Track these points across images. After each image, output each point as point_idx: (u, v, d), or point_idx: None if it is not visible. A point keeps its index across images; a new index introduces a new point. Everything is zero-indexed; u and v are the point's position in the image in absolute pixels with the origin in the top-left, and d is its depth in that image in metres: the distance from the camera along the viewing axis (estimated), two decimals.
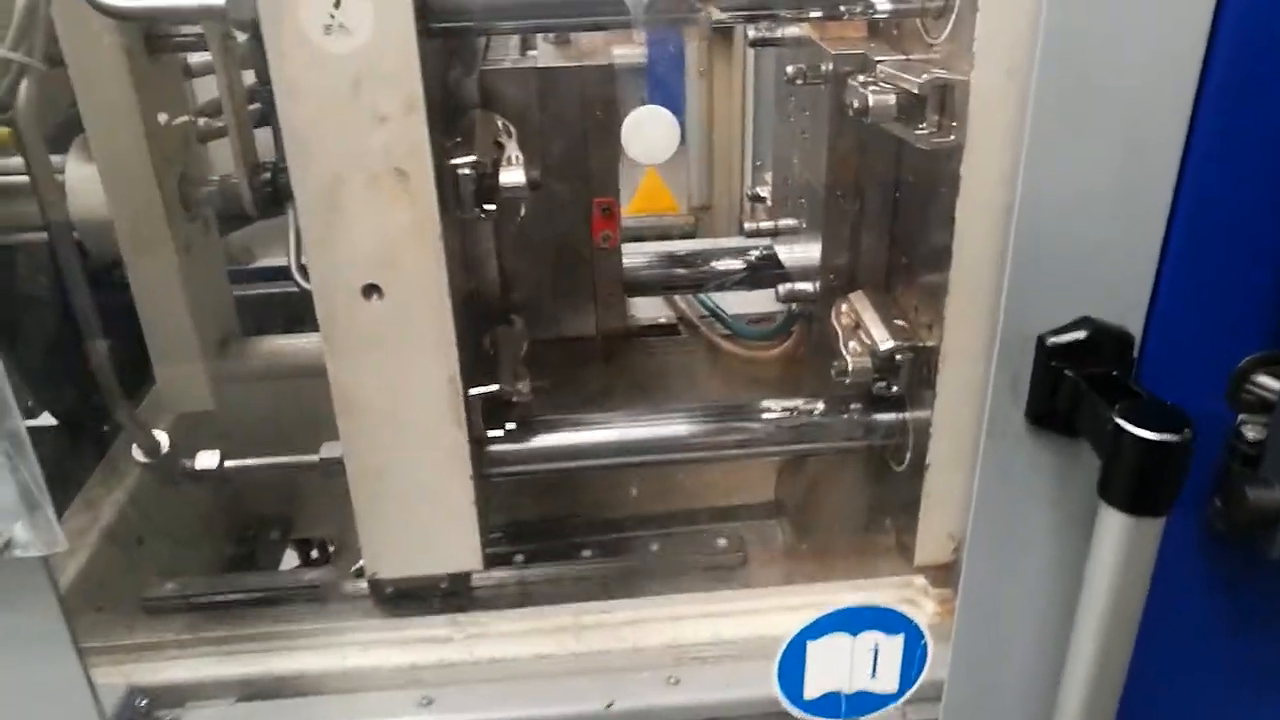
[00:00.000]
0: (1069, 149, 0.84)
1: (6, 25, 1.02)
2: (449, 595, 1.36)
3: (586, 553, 1.62)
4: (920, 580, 1.23)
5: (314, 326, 1.03)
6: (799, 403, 1.30)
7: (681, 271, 1.69)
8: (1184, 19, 0.80)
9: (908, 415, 1.21)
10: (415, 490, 1.12)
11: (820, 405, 1.30)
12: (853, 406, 1.27)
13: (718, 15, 1.07)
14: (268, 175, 1.22)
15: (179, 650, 1.23)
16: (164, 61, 1.25)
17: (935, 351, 1.07)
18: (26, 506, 0.89)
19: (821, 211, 1.30)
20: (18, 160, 1.11)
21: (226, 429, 1.46)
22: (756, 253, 1.65)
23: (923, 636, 1.08)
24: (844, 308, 1.29)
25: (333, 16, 0.89)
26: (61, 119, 1.22)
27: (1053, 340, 0.90)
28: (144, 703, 1.17)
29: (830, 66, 1.20)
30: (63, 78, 1.15)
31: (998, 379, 0.93)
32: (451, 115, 1.23)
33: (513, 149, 1.13)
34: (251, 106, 1.21)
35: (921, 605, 1.21)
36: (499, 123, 1.22)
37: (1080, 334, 0.90)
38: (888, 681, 1.10)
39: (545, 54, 1.45)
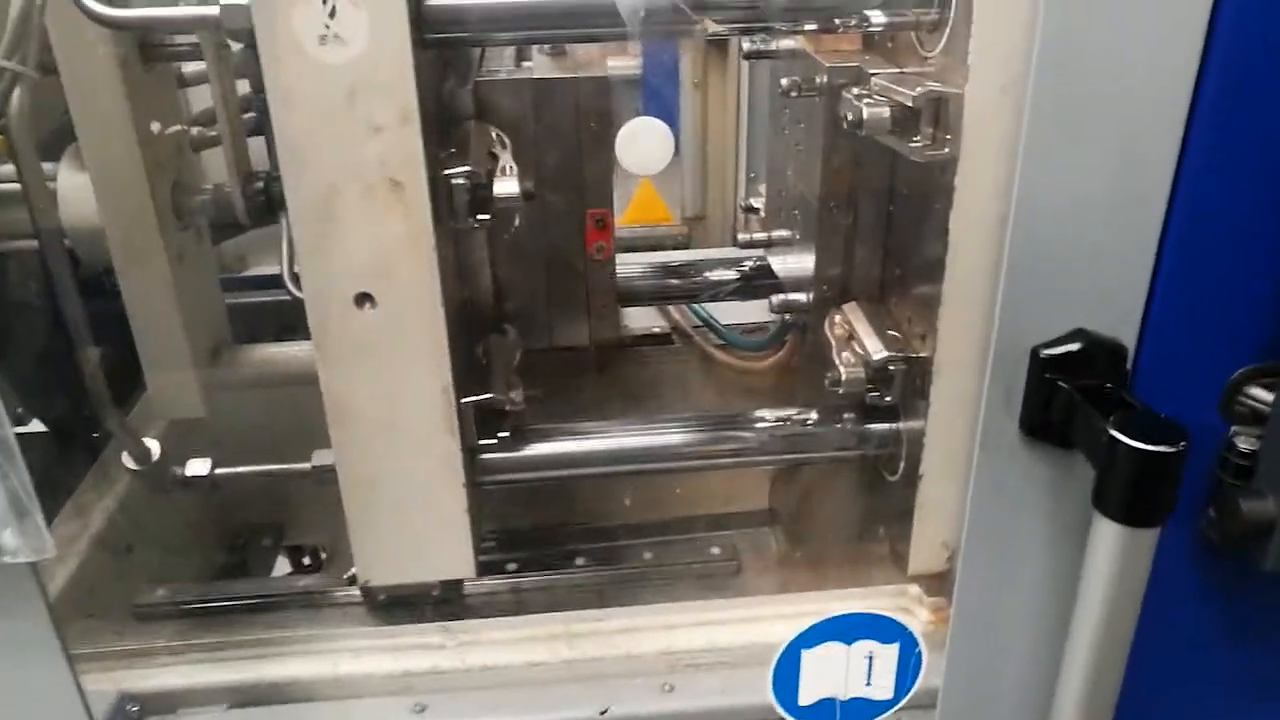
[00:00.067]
0: (1064, 161, 0.85)
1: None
2: (441, 603, 1.36)
3: (580, 561, 1.62)
4: (914, 589, 1.23)
5: (306, 335, 1.02)
6: (792, 412, 1.30)
7: (675, 282, 1.69)
8: (1179, 32, 0.81)
9: (901, 425, 1.21)
10: (408, 498, 1.11)
11: (813, 415, 1.30)
12: (846, 416, 1.27)
13: (713, 28, 1.07)
14: (261, 184, 1.22)
15: (170, 657, 1.22)
16: (158, 70, 1.25)
17: (929, 362, 1.07)
18: (15, 513, 0.88)
19: (815, 223, 1.30)
20: (9, 168, 1.10)
21: (218, 436, 1.46)
22: (750, 263, 1.65)
23: (917, 644, 1.08)
24: (837, 318, 1.29)
25: (328, 27, 0.89)
26: (54, 126, 1.22)
27: (1047, 352, 0.90)
28: (135, 709, 1.17)
29: (824, 79, 1.21)
30: (55, 85, 1.15)
31: (991, 390, 0.93)
32: (446, 126, 1.23)
33: (507, 160, 1.13)
34: (245, 116, 1.21)
35: (915, 614, 1.21)
36: (494, 133, 1.23)
37: (1074, 346, 0.90)
38: (882, 689, 1.10)
39: (540, 65, 1.45)
